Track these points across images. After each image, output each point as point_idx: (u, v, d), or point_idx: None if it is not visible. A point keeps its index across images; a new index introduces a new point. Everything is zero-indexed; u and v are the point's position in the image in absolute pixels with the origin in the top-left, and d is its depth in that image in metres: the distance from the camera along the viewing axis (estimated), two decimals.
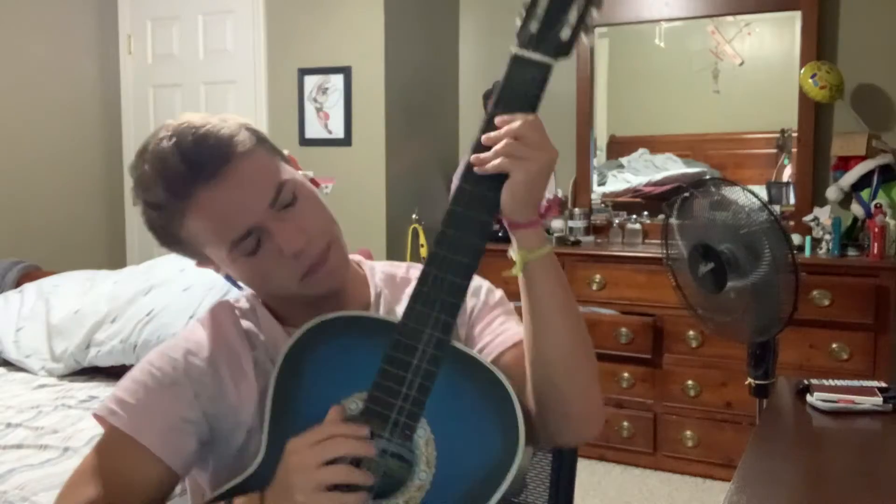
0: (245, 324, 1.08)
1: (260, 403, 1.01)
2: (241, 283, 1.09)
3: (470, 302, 1.12)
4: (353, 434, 0.89)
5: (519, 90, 0.90)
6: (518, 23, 0.90)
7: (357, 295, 1.11)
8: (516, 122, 0.88)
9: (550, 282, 0.95)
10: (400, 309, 1.02)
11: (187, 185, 0.96)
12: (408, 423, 0.90)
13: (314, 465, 0.87)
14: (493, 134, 0.89)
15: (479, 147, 0.90)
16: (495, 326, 1.10)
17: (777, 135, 3.67)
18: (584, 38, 0.89)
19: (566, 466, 1.33)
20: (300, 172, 1.10)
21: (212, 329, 1.07)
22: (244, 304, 1.11)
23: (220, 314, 1.09)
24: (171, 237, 1.03)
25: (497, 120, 0.90)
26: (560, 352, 0.96)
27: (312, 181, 1.13)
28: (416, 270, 1.15)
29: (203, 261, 1.07)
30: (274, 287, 1.04)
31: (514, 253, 0.94)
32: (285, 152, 1.11)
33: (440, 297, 0.89)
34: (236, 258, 1.00)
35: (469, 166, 0.91)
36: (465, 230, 0.89)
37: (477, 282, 1.13)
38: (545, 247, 0.94)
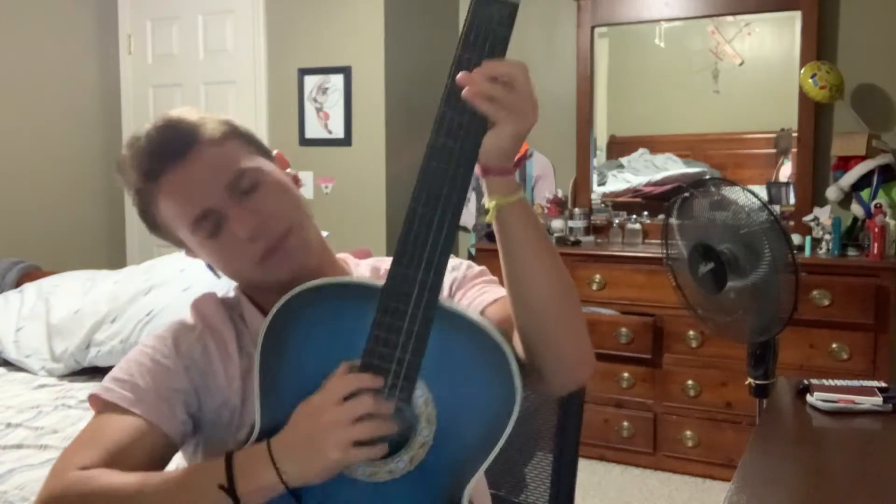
0: (229, 313, 1.11)
1: (244, 384, 1.04)
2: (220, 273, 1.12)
3: (449, 277, 1.13)
4: (373, 385, 0.89)
5: (488, 31, 0.86)
6: None
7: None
8: (510, 67, 0.86)
9: (525, 227, 0.94)
10: None
11: (153, 166, 1.03)
12: (405, 385, 0.90)
13: (347, 422, 0.87)
14: (494, 64, 0.85)
15: (451, 96, 0.86)
16: (475, 292, 1.11)
17: (777, 135, 3.67)
18: None
19: (567, 466, 1.33)
20: (287, 170, 1.13)
21: (198, 314, 1.11)
22: (229, 295, 1.15)
23: (206, 303, 1.13)
24: (152, 222, 1.09)
25: (486, 63, 0.85)
26: (542, 294, 0.95)
27: (293, 178, 1.14)
28: None
29: (185, 248, 1.12)
30: (237, 271, 1.08)
31: (486, 201, 0.93)
32: (275, 152, 1.14)
33: (424, 254, 0.87)
34: (200, 241, 1.05)
35: (453, 93, 0.87)
36: (450, 163, 0.87)
37: (456, 261, 1.14)
38: (518, 193, 0.92)
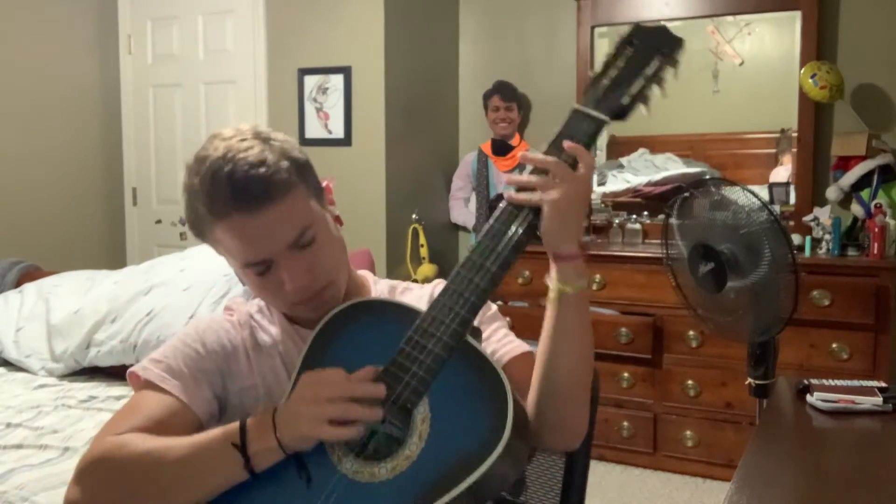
0: (258, 316, 1.23)
1: (268, 375, 1.16)
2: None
3: None
4: (373, 393, 1.00)
5: (574, 138, 1.01)
6: (590, 74, 1.03)
7: (359, 296, 1.23)
8: (544, 157, 1.00)
9: (579, 317, 1.05)
10: None
11: (227, 209, 1.07)
12: (411, 398, 1.00)
13: (324, 401, 0.98)
14: (545, 159, 1.00)
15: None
16: (500, 336, 1.21)
17: (777, 135, 3.67)
18: (642, 108, 1.02)
19: (579, 469, 1.33)
20: (331, 207, 1.22)
21: (228, 311, 1.24)
22: (259, 301, 1.25)
23: (236, 303, 1.26)
24: (199, 232, 1.16)
25: (520, 155, 1.03)
26: (570, 379, 1.06)
27: (336, 219, 1.22)
28: (415, 285, 1.30)
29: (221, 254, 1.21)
30: (270, 303, 1.21)
31: (550, 280, 1.04)
32: (324, 183, 1.22)
33: (465, 295, 1.01)
34: (247, 273, 1.14)
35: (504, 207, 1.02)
36: (499, 241, 1.01)
37: None
38: (581, 282, 1.03)
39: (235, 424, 1.02)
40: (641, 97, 1.01)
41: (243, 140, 1.09)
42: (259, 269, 1.11)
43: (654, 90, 1.01)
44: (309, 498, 1.00)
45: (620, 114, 1.00)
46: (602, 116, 1.00)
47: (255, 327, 1.21)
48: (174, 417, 1.09)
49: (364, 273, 1.31)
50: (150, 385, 1.12)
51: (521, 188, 1.01)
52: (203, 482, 1.01)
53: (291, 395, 1.02)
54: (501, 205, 1.02)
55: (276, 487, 1.01)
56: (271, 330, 1.21)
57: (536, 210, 1.00)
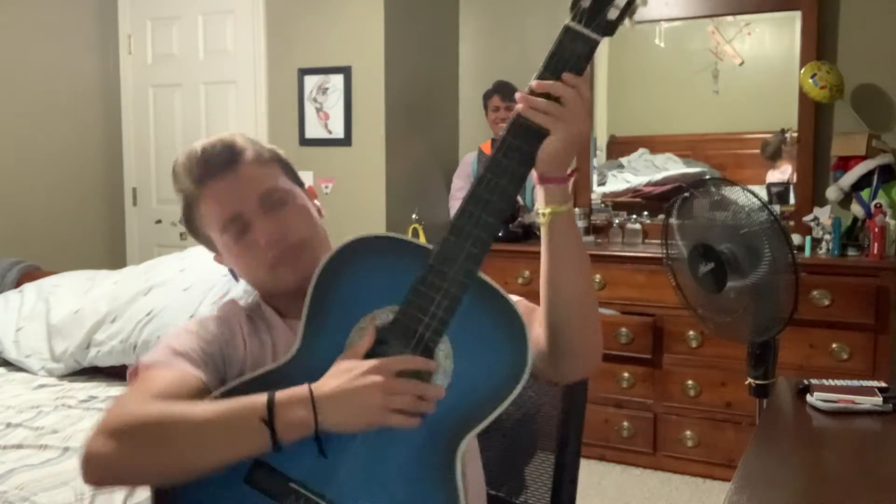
0: (250, 314, 1.25)
1: (257, 360, 1.17)
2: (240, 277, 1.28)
3: None
4: (428, 368, 1.02)
5: (567, 59, 1.01)
6: None
7: None
8: (559, 86, 1.00)
9: (571, 234, 1.09)
10: None
11: (202, 172, 1.19)
12: (433, 337, 1.03)
13: (394, 392, 0.99)
14: (545, 83, 1.01)
15: (531, 92, 1.01)
16: None
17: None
18: (627, 21, 1.00)
19: (569, 464, 1.33)
20: (314, 201, 1.29)
21: (221, 308, 1.26)
22: (250, 300, 1.28)
23: (230, 304, 1.27)
24: (193, 226, 1.24)
25: (564, 76, 1.00)
26: (577, 293, 1.10)
27: (318, 209, 1.29)
28: None
29: (216, 252, 1.26)
30: (253, 274, 1.22)
31: (540, 205, 1.07)
32: (307, 185, 1.31)
33: (474, 232, 1.02)
34: (227, 243, 1.20)
35: (515, 120, 1.02)
36: (503, 176, 1.02)
37: None
38: (569, 203, 1.07)
39: (261, 397, 1.00)
40: (628, 8, 0.99)
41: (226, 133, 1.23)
42: (236, 228, 1.18)
43: (638, 0, 0.99)
44: (343, 442, 1.01)
45: (609, 30, 1.00)
46: (595, 35, 1.00)
47: (250, 319, 1.23)
48: (188, 389, 1.08)
49: None
50: (153, 366, 1.12)
51: (535, 109, 1.01)
52: (227, 450, 1.00)
53: (338, 377, 1.00)
54: (502, 135, 1.03)
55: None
56: (266, 324, 1.22)
57: (537, 136, 1.02)
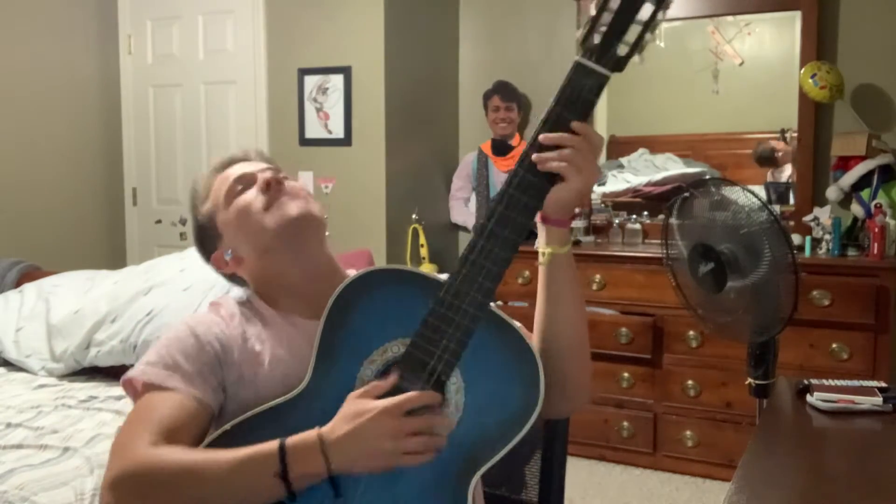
0: (245, 308, 1.24)
1: (256, 364, 1.15)
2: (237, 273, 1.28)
3: None
4: (435, 402, 1.03)
5: (577, 95, 1.01)
6: (580, 33, 1.01)
7: (335, 277, 1.23)
8: (589, 136, 1.01)
9: (570, 275, 1.11)
10: None
11: (223, 162, 1.31)
12: (444, 370, 1.03)
13: (405, 434, 1.00)
14: (561, 136, 1.01)
15: (538, 144, 1.02)
16: None
17: (777, 135, 3.67)
18: (637, 57, 1.01)
19: (556, 461, 1.32)
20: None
21: (213, 306, 1.25)
22: (242, 297, 1.28)
23: (222, 298, 1.28)
24: (203, 225, 1.28)
25: (574, 125, 1.01)
26: (571, 332, 1.11)
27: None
28: None
29: (219, 240, 1.27)
30: (249, 226, 1.22)
31: (541, 245, 1.09)
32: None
33: (486, 265, 1.02)
34: (230, 205, 1.23)
35: (529, 156, 1.02)
36: (514, 209, 1.02)
37: None
38: (568, 244, 1.10)
39: (273, 448, 1.01)
40: (637, 46, 1.00)
41: None
42: (241, 187, 1.24)
43: (648, 37, 1.00)
44: (352, 482, 1.02)
45: (619, 66, 1.00)
46: (605, 71, 1.00)
47: (243, 318, 1.21)
48: (189, 416, 1.09)
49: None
50: (152, 388, 1.12)
51: (547, 155, 1.02)
52: (243, 501, 1.02)
53: (349, 422, 1.01)
54: (516, 167, 1.03)
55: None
56: (259, 319, 1.22)
57: (549, 179, 1.02)
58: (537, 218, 1.06)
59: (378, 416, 1.00)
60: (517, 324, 1.06)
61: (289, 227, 1.20)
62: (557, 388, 1.09)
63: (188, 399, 1.10)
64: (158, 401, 1.10)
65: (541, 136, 1.01)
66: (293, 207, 1.21)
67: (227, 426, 1.07)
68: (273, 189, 1.22)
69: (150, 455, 1.02)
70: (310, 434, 1.01)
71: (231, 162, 1.30)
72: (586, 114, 1.02)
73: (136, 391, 1.15)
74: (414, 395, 1.01)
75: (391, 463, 1.00)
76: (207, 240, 1.29)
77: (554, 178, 1.02)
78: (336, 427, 1.01)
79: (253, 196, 1.23)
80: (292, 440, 1.01)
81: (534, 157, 1.01)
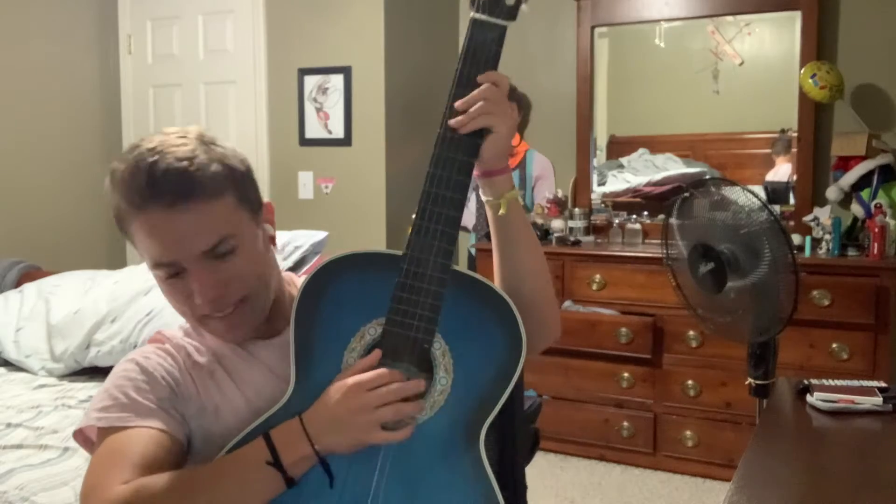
0: (189, 339, 1.18)
1: (215, 394, 1.12)
2: None
3: None
4: (416, 389, 1.02)
5: (480, 50, 1.06)
6: None
7: (288, 297, 1.21)
8: (489, 85, 1.05)
9: (522, 215, 1.15)
10: None
11: (143, 202, 1.03)
12: (425, 338, 1.04)
13: (373, 407, 0.99)
14: (470, 97, 1.05)
15: (454, 112, 1.05)
16: None
17: (777, 135, 3.67)
18: (524, 5, 1.06)
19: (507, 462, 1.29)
20: (267, 226, 1.17)
21: (155, 339, 1.19)
22: (186, 325, 1.21)
23: (167, 332, 1.21)
24: (121, 226, 1.10)
25: (479, 78, 1.05)
26: (533, 269, 1.15)
27: (270, 239, 1.18)
28: None
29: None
30: (176, 310, 1.14)
31: (492, 196, 1.12)
32: (265, 200, 1.17)
33: (438, 227, 1.05)
34: (156, 274, 1.10)
35: (445, 133, 1.06)
36: (451, 169, 1.05)
37: None
38: (515, 188, 1.13)
39: (258, 442, 1.00)
40: None
41: (181, 137, 1.06)
42: (168, 272, 1.07)
43: None
44: (369, 453, 1.02)
45: (512, 14, 1.05)
46: (501, 21, 1.05)
47: (189, 350, 1.16)
48: (163, 449, 1.03)
49: (288, 277, 1.28)
50: (112, 431, 1.04)
51: (473, 120, 1.05)
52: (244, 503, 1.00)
53: (326, 402, 1.01)
54: (442, 135, 1.06)
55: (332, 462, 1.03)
56: (205, 348, 1.16)
57: (477, 134, 1.05)
58: (477, 175, 1.10)
59: (347, 392, 1.00)
60: (480, 277, 1.08)
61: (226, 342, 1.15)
62: (532, 326, 1.11)
63: (156, 433, 1.04)
64: (123, 440, 1.03)
65: (456, 104, 1.05)
66: (226, 338, 1.14)
67: (224, 451, 1.04)
68: (212, 306, 1.08)
69: (130, 488, 0.96)
70: (292, 420, 1.02)
71: (147, 199, 1.02)
72: (494, 67, 1.06)
73: (92, 442, 1.08)
74: (382, 372, 1.01)
75: (367, 438, 1.00)
76: (125, 236, 1.14)
77: (480, 133, 1.06)
78: (315, 408, 1.02)
79: (184, 297, 1.09)
80: (276, 429, 1.01)
81: (451, 122, 1.05)
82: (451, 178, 1.05)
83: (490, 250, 1.19)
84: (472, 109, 1.04)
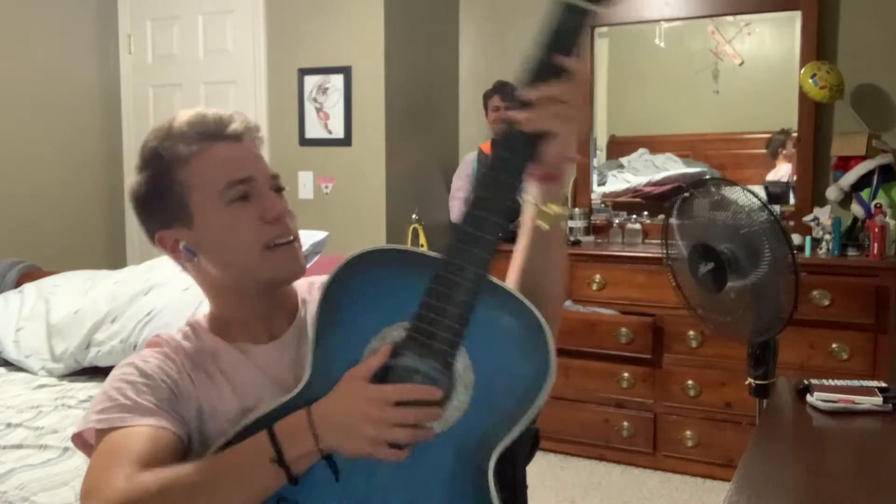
0: (187, 342, 1.17)
1: (213, 396, 1.10)
2: (195, 270, 1.18)
3: None
4: (431, 398, 0.97)
5: (561, 34, 0.96)
6: None
7: (289, 297, 1.21)
8: (569, 83, 0.94)
9: (563, 234, 1.12)
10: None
11: (216, 136, 1.12)
12: (449, 350, 0.97)
13: (388, 425, 0.95)
14: (545, 91, 0.94)
15: (520, 103, 0.95)
16: None
17: (770, 137, 3.68)
18: None
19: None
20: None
21: (153, 342, 1.18)
22: (185, 328, 1.20)
23: (165, 337, 1.18)
24: (161, 188, 1.11)
25: (566, 63, 0.94)
26: (557, 283, 1.10)
27: None
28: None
29: (169, 224, 1.13)
30: (235, 255, 1.11)
31: (539, 203, 1.02)
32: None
33: (479, 235, 0.95)
34: (221, 205, 1.10)
35: (506, 131, 0.96)
36: (505, 172, 0.96)
37: None
38: (566, 198, 1.05)
39: (261, 436, 0.97)
40: None
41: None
42: (241, 191, 1.10)
43: None
44: (368, 472, 0.99)
45: None
46: (589, 5, 0.94)
47: (188, 352, 1.14)
48: (164, 445, 1.01)
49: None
50: (111, 431, 1.03)
51: (533, 115, 0.95)
52: (243, 498, 0.97)
53: (341, 402, 0.97)
54: (498, 132, 0.98)
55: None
56: (204, 351, 1.15)
57: (535, 135, 0.96)
58: (540, 178, 1.01)
59: (366, 401, 0.96)
60: (517, 293, 1.00)
61: (277, 284, 1.15)
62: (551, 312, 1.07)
63: (157, 430, 1.02)
64: (123, 438, 1.01)
65: (527, 95, 0.95)
66: (290, 269, 1.13)
67: (230, 434, 1.03)
68: (279, 228, 1.11)
69: (132, 485, 0.95)
70: (299, 412, 0.98)
71: (220, 133, 1.13)
72: (570, 53, 0.96)
73: (90, 445, 1.07)
74: (408, 388, 0.97)
75: (371, 450, 0.95)
76: (161, 209, 1.13)
77: (540, 133, 0.95)
78: (326, 403, 0.98)
79: (253, 222, 1.10)
80: (280, 422, 0.98)
81: (516, 116, 0.95)
82: (503, 180, 0.95)
83: (502, 251, 1.08)
84: (542, 110, 0.94)
